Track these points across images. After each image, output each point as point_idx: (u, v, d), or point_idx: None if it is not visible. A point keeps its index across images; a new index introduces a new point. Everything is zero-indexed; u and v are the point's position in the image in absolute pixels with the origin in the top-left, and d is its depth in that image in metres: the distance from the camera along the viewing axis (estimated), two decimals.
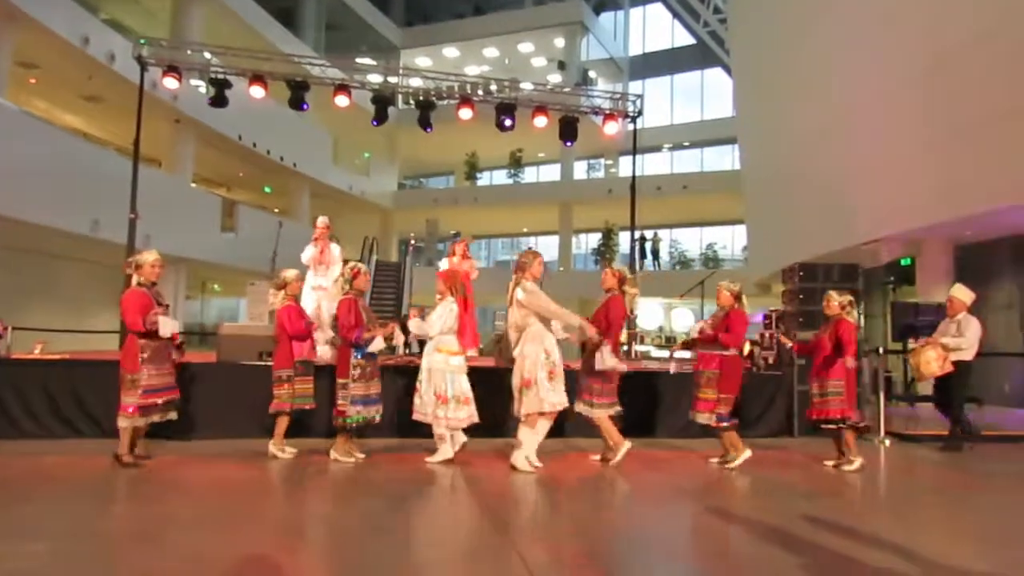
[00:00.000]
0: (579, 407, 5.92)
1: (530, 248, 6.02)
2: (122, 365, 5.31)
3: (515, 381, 5.61)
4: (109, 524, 3.90)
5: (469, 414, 5.77)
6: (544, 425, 5.62)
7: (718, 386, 6.00)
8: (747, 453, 5.99)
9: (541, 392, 5.42)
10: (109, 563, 3.28)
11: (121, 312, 5.37)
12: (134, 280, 5.40)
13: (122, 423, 5.25)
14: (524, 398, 5.49)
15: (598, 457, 6.05)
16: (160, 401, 5.36)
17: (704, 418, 6.08)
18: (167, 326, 5.25)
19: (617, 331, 5.94)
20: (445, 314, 5.76)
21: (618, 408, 5.94)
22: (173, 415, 5.51)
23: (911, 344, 7.52)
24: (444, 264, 8.82)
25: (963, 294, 7.41)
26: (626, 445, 5.81)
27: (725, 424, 6.00)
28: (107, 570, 3.19)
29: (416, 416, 5.81)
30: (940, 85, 10.30)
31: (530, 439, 5.58)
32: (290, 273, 6.01)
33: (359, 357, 5.65)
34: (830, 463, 6.20)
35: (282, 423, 5.83)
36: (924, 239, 12.63)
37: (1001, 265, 12.32)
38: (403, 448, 6.40)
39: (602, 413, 5.84)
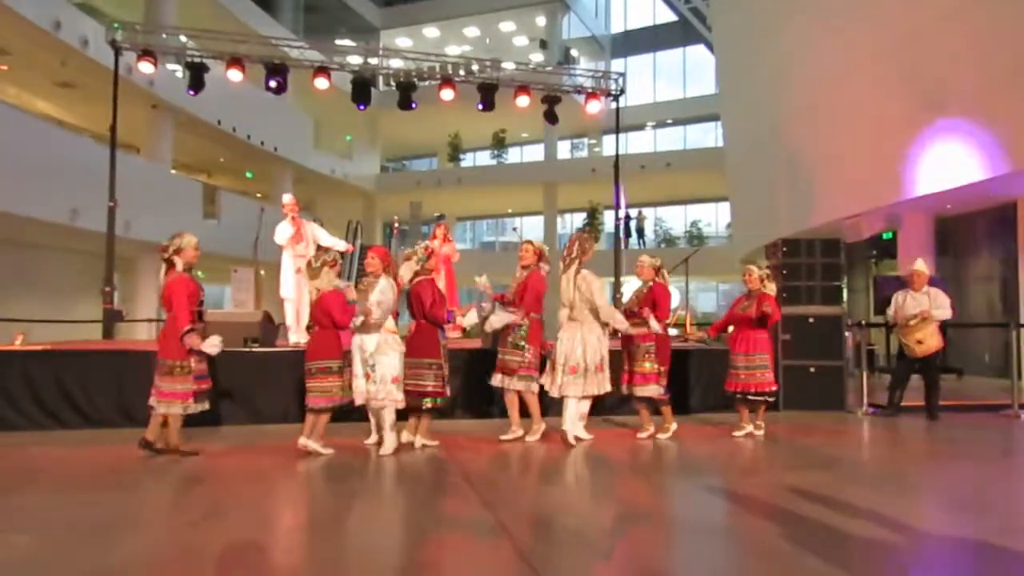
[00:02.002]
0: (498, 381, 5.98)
1: (584, 236, 6.08)
2: (165, 353, 5.13)
3: (571, 361, 5.77)
4: (95, 515, 3.88)
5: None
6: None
7: (657, 359, 6.09)
8: (675, 425, 6.27)
9: (607, 373, 5.88)
10: (94, 554, 3.27)
11: (167, 297, 5.16)
12: (179, 265, 5.24)
13: (173, 410, 5.11)
14: (599, 379, 5.81)
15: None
16: (206, 387, 5.29)
17: (649, 391, 6.09)
18: (213, 347, 5.18)
19: (539, 306, 6.00)
20: (390, 292, 5.44)
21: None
22: (206, 405, 5.32)
23: (911, 319, 7.42)
24: (434, 245, 8.71)
25: (926, 267, 7.77)
26: (521, 431, 5.99)
27: (666, 396, 6.18)
28: (92, 562, 3.18)
29: (364, 400, 5.41)
30: (918, 59, 10.34)
31: (587, 410, 6.03)
32: (330, 255, 5.50)
33: (444, 338, 5.62)
34: (739, 434, 6.36)
35: (325, 418, 5.35)
36: (905, 213, 12.73)
37: (981, 237, 12.47)
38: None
39: (534, 387, 5.97)
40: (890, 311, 7.79)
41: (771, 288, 6.52)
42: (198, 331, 5.15)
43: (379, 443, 5.51)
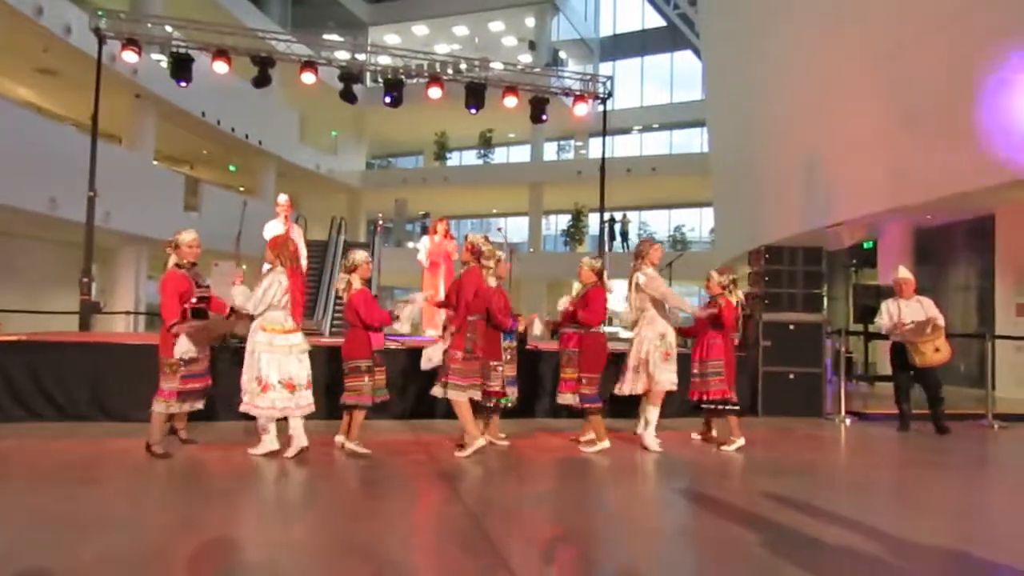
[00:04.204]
0: (436, 390, 5.45)
1: (648, 236, 6.10)
2: (160, 350, 5.09)
3: (631, 361, 5.96)
4: (68, 509, 3.82)
5: (306, 401, 5.14)
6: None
7: (579, 365, 5.77)
8: (606, 443, 5.73)
9: (651, 370, 5.84)
10: (65, 549, 3.22)
11: (159, 294, 5.13)
12: (171, 261, 5.12)
13: (157, 408, 5.04)
14: (638, 377, 5.90)
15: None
16: (198, 387, 5.20)
17: (567, 399, 5.93)
18: (183, 348, 4.99)
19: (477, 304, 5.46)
20: (271, 287, 5.06)
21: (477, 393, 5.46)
22: (200, 404, 5.34)
23: (926, 328, 7.14)
24: (425, 242, 8.68)
25: (911, 274, 7.58)
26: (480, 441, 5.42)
27: (589, 405, 5.74)
28: (63, 556, 3.13)
29: (242, 407, 5.20)
30: (900, 71, 10.47)
31: (654, 416, 5.93)
32: (359, 255, 5.46)
33: (508, 340, 5.78)
34: (697, 436, 6.47)
35: (359, 416, 5.33)
36: (885, 223, 12.89)
37: (959, 248, 12.65)
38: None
39: (460, 396, 5.35)
40: (883, 320, 7.42)
41: (736, 296, 6.25)
42: (192, 327, 5.02)
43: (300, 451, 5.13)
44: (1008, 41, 8.57)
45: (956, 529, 3.96)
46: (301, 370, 5.14)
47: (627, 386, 5.97)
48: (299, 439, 5.13)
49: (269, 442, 5.14)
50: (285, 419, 5.15)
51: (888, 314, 7.40)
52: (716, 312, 6.06)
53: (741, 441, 6.06)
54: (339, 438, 5.50)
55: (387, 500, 4.36)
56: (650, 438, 5.85)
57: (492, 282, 5.65)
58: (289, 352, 5.09)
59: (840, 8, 11.86)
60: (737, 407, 6.22)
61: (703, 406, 6.24)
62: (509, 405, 5.85)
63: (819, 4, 12.50)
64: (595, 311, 5.76)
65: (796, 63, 13.60)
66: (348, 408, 5.38)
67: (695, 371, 6.24)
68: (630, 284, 6.03)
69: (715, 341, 6.15)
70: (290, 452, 5.09)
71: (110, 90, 11.40)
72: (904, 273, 7.59)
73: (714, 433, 6.39)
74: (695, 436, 6.51)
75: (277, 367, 5.04)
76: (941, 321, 7.24)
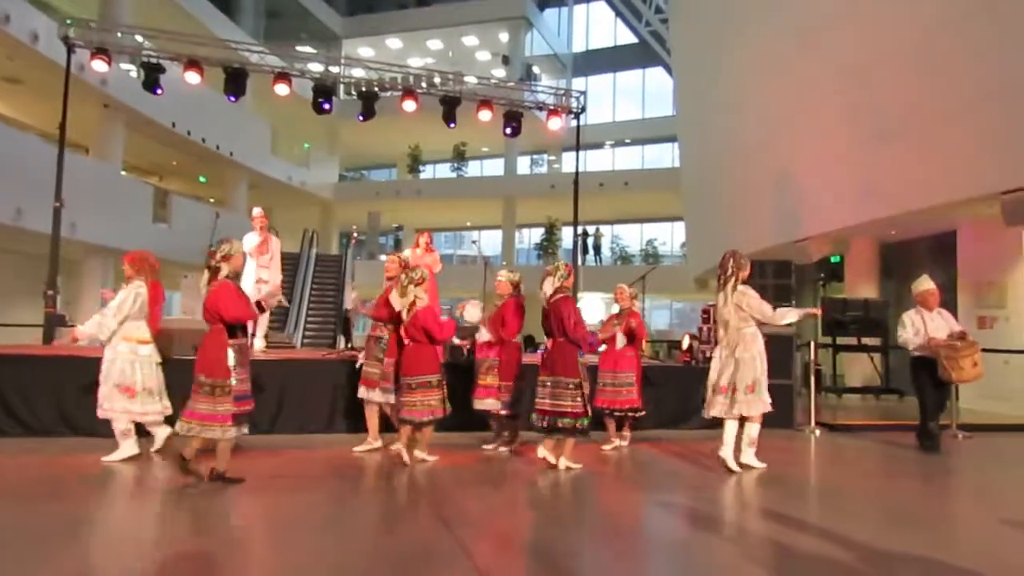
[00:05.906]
0: (363, 392, 5.96)
1: (737, 251, 5.83)
2: (206, 370, 4.60)
3: (722, 381, 5.68)
4: (31, 526, 3.73)
5: (165, 406, 5.49)
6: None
7: (499, 374, 6.07)
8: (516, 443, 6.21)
9: (763, 394, 5.64)
10: (26, 566, 3.14)
11: (214, 307, 4.62)
12: (224, 271, 4.72)
13: (228, 434, 4.59)
14: (748, 400, 5.59)
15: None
16: (249, 409, 4.79)
17: (486, 404, 6.11)
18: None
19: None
20: (127, 299, 5.35)
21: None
22: (246, 429, 4.84)
23: (957, 341, 6.70)
24: (407, 255, 8.63)
25: (935, 285, 7.14)
26: (378, 443, 5.96)
27: (508, 411, 6.12)
28: (32, 571, 3.05)
29: (100, 413, 5.31)
30: (866, 90, 10.74)
31: (757, 435, 5.74)
32: (425, 269, 5.67)
33: (583, 356, 5.53)
34: (608, 447, 6.51)
35: (428, 430, 5.56)
36: (852, 238, 13.17)
37: (922, 262, 12.94)
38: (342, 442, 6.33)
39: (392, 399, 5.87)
40: (907, 335, 6.92)
41: (637, 306, 6.83)
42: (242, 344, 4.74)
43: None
44: (977, 61, 8.85)
45: (925, 537, 4.04)
46: (157, 376, 5.49)
47: (739, 408, 5.62)
48: (162, 433, 5.50)
49: (129, 447, 5.29)
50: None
51: (914, 327, 6.91)
52: (816, 312, 6.19)
53: (624, 442, 6.61)
54: (397, 446, 5.44)
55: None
56: (752, 456, 5.74)
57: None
58: (149, 361, 5.43)
59: (810, 26, 12.13)
60: (643, 414, 6.66)
61: (616, 414, 6.55)
62: (585, 427, 5.38)
63: (789, 22, 12.78)
64: (512, 326, 6.05)
65: (766, 80, 13.87)
66: (419, 425, 5.45)
67: (607, 381, 6.54)
68: (725, 300, 5.70)
69: (627, 354, 6.49)
70: (157, 445, 5.47)
71: (78, 99, 11.22)
72: (929, 284, 7.08)
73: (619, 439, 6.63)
74: (607, 447, 6.61)
75: (142, 375, 5.35)
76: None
